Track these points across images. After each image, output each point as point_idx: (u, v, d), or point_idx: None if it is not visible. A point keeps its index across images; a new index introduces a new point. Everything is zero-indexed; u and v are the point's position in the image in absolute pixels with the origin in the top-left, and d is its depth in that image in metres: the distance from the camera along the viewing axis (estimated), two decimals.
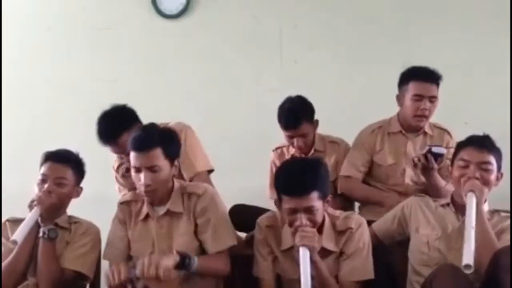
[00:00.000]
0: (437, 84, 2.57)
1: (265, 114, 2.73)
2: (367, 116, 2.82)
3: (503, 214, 2.12)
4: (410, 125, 2.61)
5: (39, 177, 2.17)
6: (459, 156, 2.11)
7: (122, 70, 3.43)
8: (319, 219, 1.97)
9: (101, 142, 2.43)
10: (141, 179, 1.99)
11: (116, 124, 2.42)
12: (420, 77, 2.55)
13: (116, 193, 2.62)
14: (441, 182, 2.46)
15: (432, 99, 2.54)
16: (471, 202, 1.95)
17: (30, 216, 2.04)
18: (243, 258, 2.12)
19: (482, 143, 2.09)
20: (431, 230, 2.12)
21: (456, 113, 3.12)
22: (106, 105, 3.39)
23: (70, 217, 2.24)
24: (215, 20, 3.41)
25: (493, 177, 2.07)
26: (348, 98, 3.32)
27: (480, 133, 2.17)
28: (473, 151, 2.07)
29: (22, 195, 2.19)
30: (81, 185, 2.26)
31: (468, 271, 1.79)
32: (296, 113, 2.59)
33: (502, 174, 2.12)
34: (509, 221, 2.06)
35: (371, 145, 2.65)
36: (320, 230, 2.00)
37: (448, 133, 2.63)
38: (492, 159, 2.07)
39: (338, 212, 2.10)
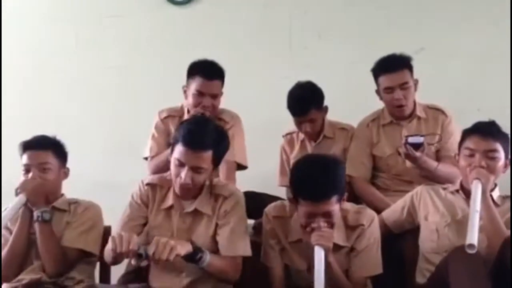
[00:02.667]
0: (408, 68, 2.54)
1: (275, 100, 2.72)
2: (377, 103, 2.78)
3: None
4: (396, 115, 2.59)
5: (22, 168, 2.16)
6: (465, 145, 2.09)
7: (132, 58, 3.43)
8: (336, 220, 1.94)
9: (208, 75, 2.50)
10: (181, 175, 1.93)
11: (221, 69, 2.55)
12: (385, 69, 2.54)
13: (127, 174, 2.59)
14: (432, 165, 2.44)
15: (404, 85, 2.52)
16: (476, 189, 1.95)
17: (15, 202, 2.05)
18: (251, 244, 2.10)
19: (487, 130, 2.07)
20: (440, 217, 2.11)
21: (469, 100, 3.09)
22: (115, 93, 3.45)
23: (69, 199, 2.23)
24: (224, 7, 3.39)
25: (500, 164, 2.05)
26: (358, 84, 3.26)
27: (491, 119, 2.14)
28: (479, 140, 2.05)
29: None
30: (68, 166, 2.24)
31: (471, 251, 1.79)
32: (305, 100, 2.58)
33: (511, 160, 2.10)
34: None
35: (369, 138, 2.64)
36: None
37: (443, 112, 2.59)
38: (498, 147, 2.05)
39: (349, 205, 2.06)
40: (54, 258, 2.06)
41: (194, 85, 2.51)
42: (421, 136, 2.41)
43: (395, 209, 2.25)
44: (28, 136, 2.17)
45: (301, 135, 2.75)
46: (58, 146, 2.23)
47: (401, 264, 2.22)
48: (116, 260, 1.90)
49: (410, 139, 2.39)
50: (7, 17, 3.45)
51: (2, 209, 2.13)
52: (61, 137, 2.26)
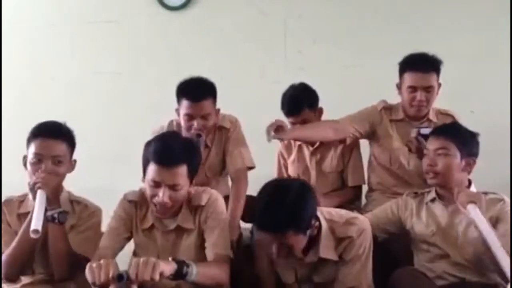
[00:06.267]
0: (436, 71, 2.52)
1: (270, 105, 2.73)
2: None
3: (491, 196, 2.08)
4: (410, 114, 2.60)
5: (32, 156, 1.98)
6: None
7: (126, 63, 3.43)
8: (298, 247, 1.81)
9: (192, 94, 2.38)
10: (159, 195, 1.86)
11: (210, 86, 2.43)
12: (415, 67, 2.50)
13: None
14: None
15: (428, 89, 2.50)
16: (476, 214, 1.89)
17: (39, 201, 1.85)
18: (249, 248, 2.13)
19: (440, 130, 2.16)
20: (425, 227, 2.12)
21: (462, 102, 3.10)
22: (111, 98, 3.45)
23: (70, 196, 2.10)
24: (219, 11, 3.40)
25: (454, 162, 2.07)
26: (353, 89, 3.30)
27: (485, 121, 2.16)
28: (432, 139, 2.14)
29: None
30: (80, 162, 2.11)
31: None
32: (297, 100, 2.60)
33: (474, 161, 2.10)
34: (500, 205, 2.04)
35: (376, 122, 2.63)
36: (316, 239, 1.89)
37: (453, 118, 2.61)
38: (449, 144, 2.08)
39: (337, 216, 1.95)
40: (66, 261, 1.95)
41: (182, 108, 2.41)
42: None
43: (380, 215, 2.24)
44: (16, 145, 2.12)
45: None
46: (71, 135, 2.08)
47: (395, 265, 2.20)
48: None
49: (422, 131, 2.38)
50: (2, 22, 3.44)
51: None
52: None
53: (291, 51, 3.36)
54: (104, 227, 2.19)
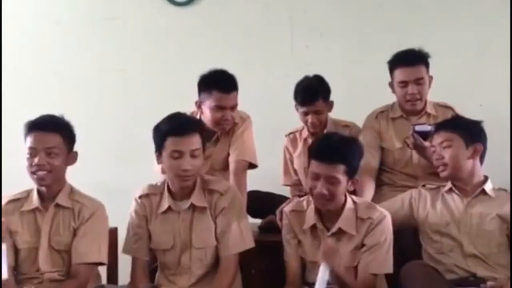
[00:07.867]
0: (424, 64, 2.56)
1: (276, 100, 2.73)
2: (378, 102, 2.79)
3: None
4: (407, 109, 2.61)
5: (27, 151, 2.00)
6: None
7: (133, 59, 3.43)
8: (338, 193, 1.99)
9: (221, 86, 2.42)
10: (182, 165, 1.99)
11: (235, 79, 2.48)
12: (402, 62, 2.56)
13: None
14: None
15: (419, 81, 2.54)
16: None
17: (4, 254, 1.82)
18: (257, 244, 2.15)
19: (441, 125, 2.19)
20: (439, 218, 2.13)
21: (471, 95, 3.08)
22: (117, 96, 3.46)
23: (71, 189, 2.10)
24: (225, 7, 3.39)
25: (460, 151, 2.09)
26: (359, 84, 3.29)
27: (494, 114, 2.15)
28: None
29: None
30: (82, 154, 2.12)
31: None
32: (313, 89, 2.61)
33: (481, 146, 2.12)
34: None
35: (377, 129, 2.66)
36: (340, 212, 2.04)
37: (453, 110, 2.61)
38: (451, 135, 2.11)
39: (361, 201, 2.12)
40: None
41: (211, 100, 2.43)
42: (429, 125, 2.42)
43: (394, 203, 2.25)
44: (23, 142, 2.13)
45: (304, 134, 2.75)
46: (67, 128, 2.09)
47: (404, 260, 2.20)
48: None
49: (418, 128, 2.42)
50: (8, 19, 3.44)
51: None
52: None
53: (297, 46, 3.34)
54: (111, 224, 2.21)
